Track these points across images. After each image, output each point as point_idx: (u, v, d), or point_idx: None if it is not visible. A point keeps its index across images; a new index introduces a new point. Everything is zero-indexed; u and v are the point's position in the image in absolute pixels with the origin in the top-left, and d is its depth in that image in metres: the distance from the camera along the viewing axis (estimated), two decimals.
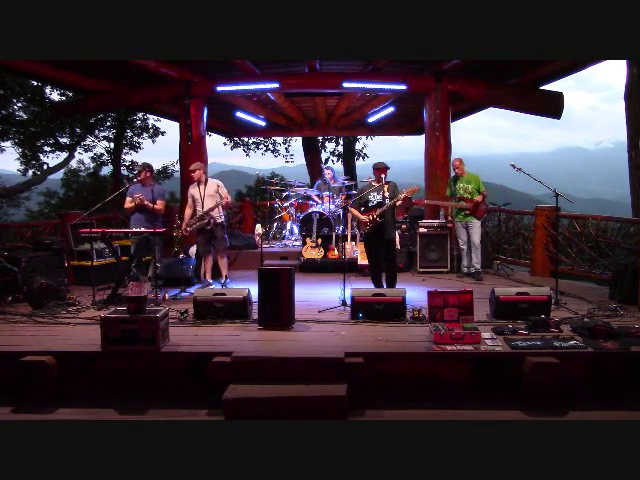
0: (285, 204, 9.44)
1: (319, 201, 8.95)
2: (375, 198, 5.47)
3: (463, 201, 6.77)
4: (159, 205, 5.91)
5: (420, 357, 3.87)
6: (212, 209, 5.98)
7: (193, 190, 6.15)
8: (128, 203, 6.00)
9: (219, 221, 6.10)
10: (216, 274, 6.39)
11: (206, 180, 6.13)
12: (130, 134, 17.92)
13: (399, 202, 5.39)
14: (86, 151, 17.83)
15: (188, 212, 6.19)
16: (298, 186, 9.68)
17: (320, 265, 7.64)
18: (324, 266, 7.59)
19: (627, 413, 3.55)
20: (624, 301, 5.20)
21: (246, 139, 17.27)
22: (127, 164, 18.15)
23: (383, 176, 5.49)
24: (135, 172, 6.27)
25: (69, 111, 10.33)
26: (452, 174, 7.16)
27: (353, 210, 5.67)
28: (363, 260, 6.96)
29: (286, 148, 18.27)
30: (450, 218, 7.07)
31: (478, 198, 6.72)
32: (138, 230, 5.70)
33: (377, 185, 5.49)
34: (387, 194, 5.43)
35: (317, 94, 8.80)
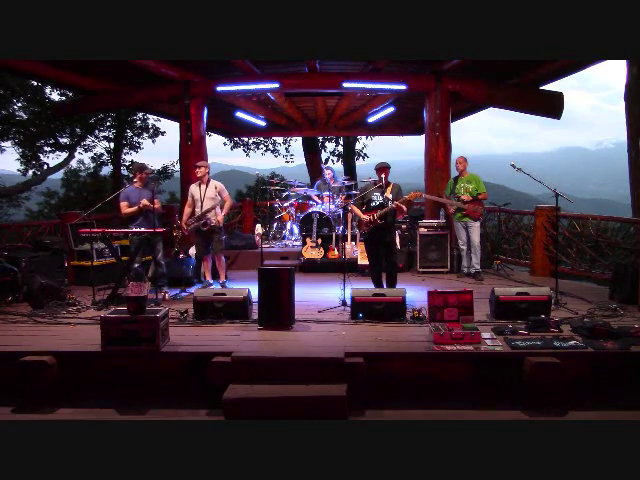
0: (285, 204, 9.44)
1: (319, 201, 8.96)
2: (377, 199, 5.46)
3: (461, 200, 6.77)
4: (157, 204, 5.94)
5: (420, 357, 3.87)
6: (210, 210, 5.97)
7: (194, 189, 6.13)
8: (126, 208, 5.80)
9: (214, 222, 6.06)
10: (215, 274, 6.38)
11: (208, 181, 6.12)
12: (130, 134, 17.92)
13: (402, 206, 5.37)
14: (86, 151, 17.86)
15: (187, 210, 6.16)
16: (298, 186, 9.69)
17: (320, 265, 7.63)
18: (324, 266, 7.59)
19: (627, 413, 3.55)
20: (624, 301, 5.19)
21: (246, 139, 17.26)
22: (127, 164, 18.15)
23: (383, 176, 5.48)
24: (134, 174, 6.17)
25: (69, 111, 10.34)
26: (454, 173, 7.15)
27: (355, 208, 5.65)
28: (363, 260, 6.96)
29: (286, 148, 18.29)
30: (452, 211, 7.00)
31: (468, 197, 6.72)
32: (138, 230, 5.70)
33: (379, 185, 5.48)
34: (390, 196, 5.41)
35: (317, 94, 8.80)
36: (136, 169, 6.12)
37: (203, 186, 6.08)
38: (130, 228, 5.84)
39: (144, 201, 5.75)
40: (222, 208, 6.15)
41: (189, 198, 6.17)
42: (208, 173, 6.17)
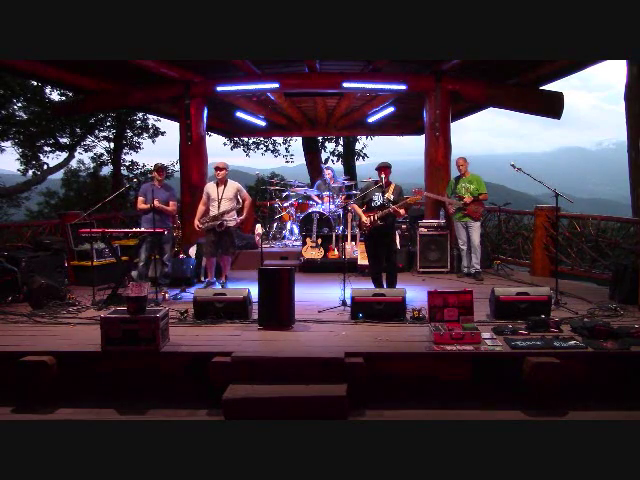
0: (285, 204, 9.44)
1: (319, 201, 8.96)
2: (378, 199, 5.46)
3: (461, 200, 6.78)
4: (172, 206, 6.10)
5: (420, 357, 3.87)
6: (228, 212, 5.96)
7: (211, 189, 6.11)
8: (142, 204, 6.05)
9: (232, 224, 6.07)
10: (216, 274, 6.38)
11: (225, 181, 6.11)
12: (130, 134, 17.91)
13: (401, 210, 5.37)
14: (86, 151, 17.85)
15: (201, 209, 6.16)
16: (298, 186, 9.69)
17: (320, 265, 7.63)
18: (324, 266, 7.58)
19: (627, 413, 3.55)
20: (624, 301, 5.20)
21: (246, 139, 17.26)
22: (127, 164, 18.16)
23: (383, 176, 5.48)
24: (151, 172, 6.38)
25: (69, 111, 10.33)
26: (456, 173, 7.14)
27: (356, 208, 5.65)
28: (363, 260, 6.97)
29: (286, 148, 18.29)
30: (452, 211, 7.04)
31: (469, 198, 6.73)
32: (138, 230, 5.74)
33: (380, 185, 5.47)
34: (391, 196, 5.41)
35: (317, 94, 8.80)
36: (154, 168, 6.32)
37: (221, 187, 6.06)
38: (139, 223, 6.05)
39: (156, 202, 5.87)
40: (241, 211, 6.16)
41: (204, 196, 6.17)
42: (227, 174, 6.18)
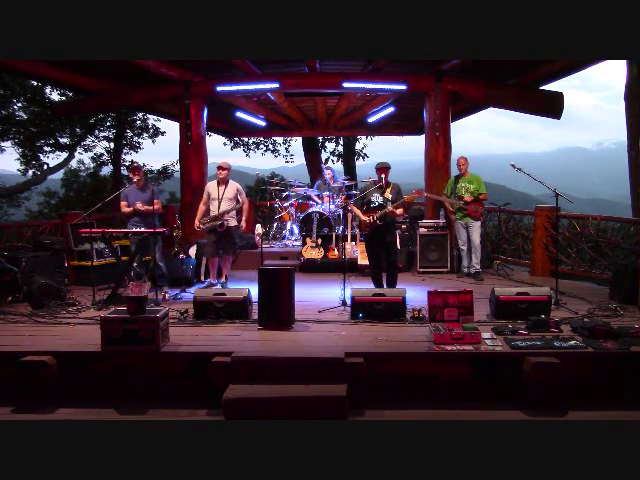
0: (285, 204, 9.44)
1: (319, 201, 8.96)
2: (377, 199, 5.46)
3: (461, 199, 6.78)
4: (156, 205, 6.08)
5: (420, 357, 3.87)
6: (228, 212, 5.95)
7: (212, 188, 6.10)
8: (125, 208, 6.09)
9: (232, 224, 6.07)
10: (218, 273, 6.36)
11: (227, 181, 6.10)
12: (130, 134, 17.91)
13: (399, 210, 5.38)
14: (86, 151, 17.85)
15: (202, 208, 6.15)
16: (298, 186, 9.69)
17: (320, 265, 7.63)
18: (324, 266, 7.58)
19: (627, 413, 3.55)
20: (624, 301, 5.20)
21: (246, 139, 17.27)
22: (127, 164, 18.15)
23: (383, 176, 5.48)
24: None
25: (69, 111, 10.33)
26: (455, 173, 7.15)
27: (355, 209, 5.66)
28: (363, 260, 6.97)
29: (286, 148, 18.29)
30: (451, 210, 7.07)
31: (469, 198, 6.74)
32: (138, 230, 5.73)
33: (379, 185, 5.48)
34: (389, 196, 5.41)
35: (317, 94, 8.79)
36: (129, 169, 6.32)
37: (222, 187, 6.05)
38: (128, 227, 6.02)
39: (138, 205, 5.95)
40: (240, 212, 6.15)
41: (204, 196, 6.16)
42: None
